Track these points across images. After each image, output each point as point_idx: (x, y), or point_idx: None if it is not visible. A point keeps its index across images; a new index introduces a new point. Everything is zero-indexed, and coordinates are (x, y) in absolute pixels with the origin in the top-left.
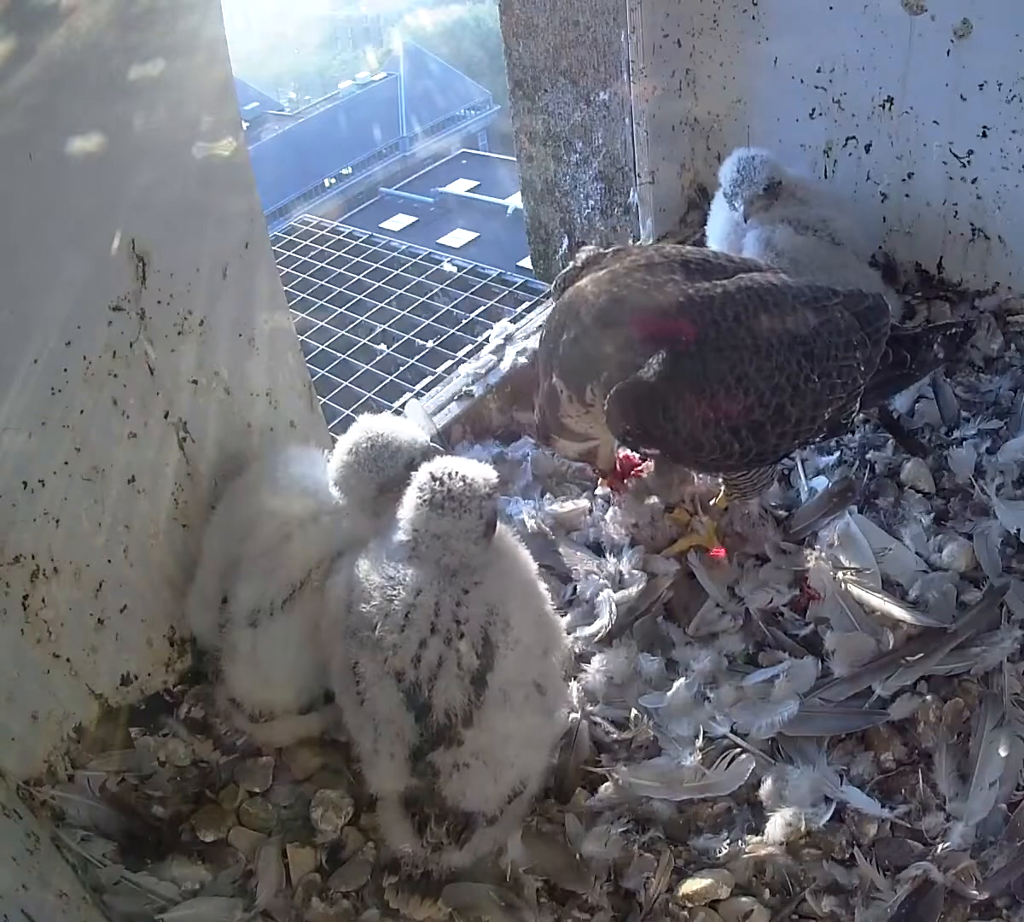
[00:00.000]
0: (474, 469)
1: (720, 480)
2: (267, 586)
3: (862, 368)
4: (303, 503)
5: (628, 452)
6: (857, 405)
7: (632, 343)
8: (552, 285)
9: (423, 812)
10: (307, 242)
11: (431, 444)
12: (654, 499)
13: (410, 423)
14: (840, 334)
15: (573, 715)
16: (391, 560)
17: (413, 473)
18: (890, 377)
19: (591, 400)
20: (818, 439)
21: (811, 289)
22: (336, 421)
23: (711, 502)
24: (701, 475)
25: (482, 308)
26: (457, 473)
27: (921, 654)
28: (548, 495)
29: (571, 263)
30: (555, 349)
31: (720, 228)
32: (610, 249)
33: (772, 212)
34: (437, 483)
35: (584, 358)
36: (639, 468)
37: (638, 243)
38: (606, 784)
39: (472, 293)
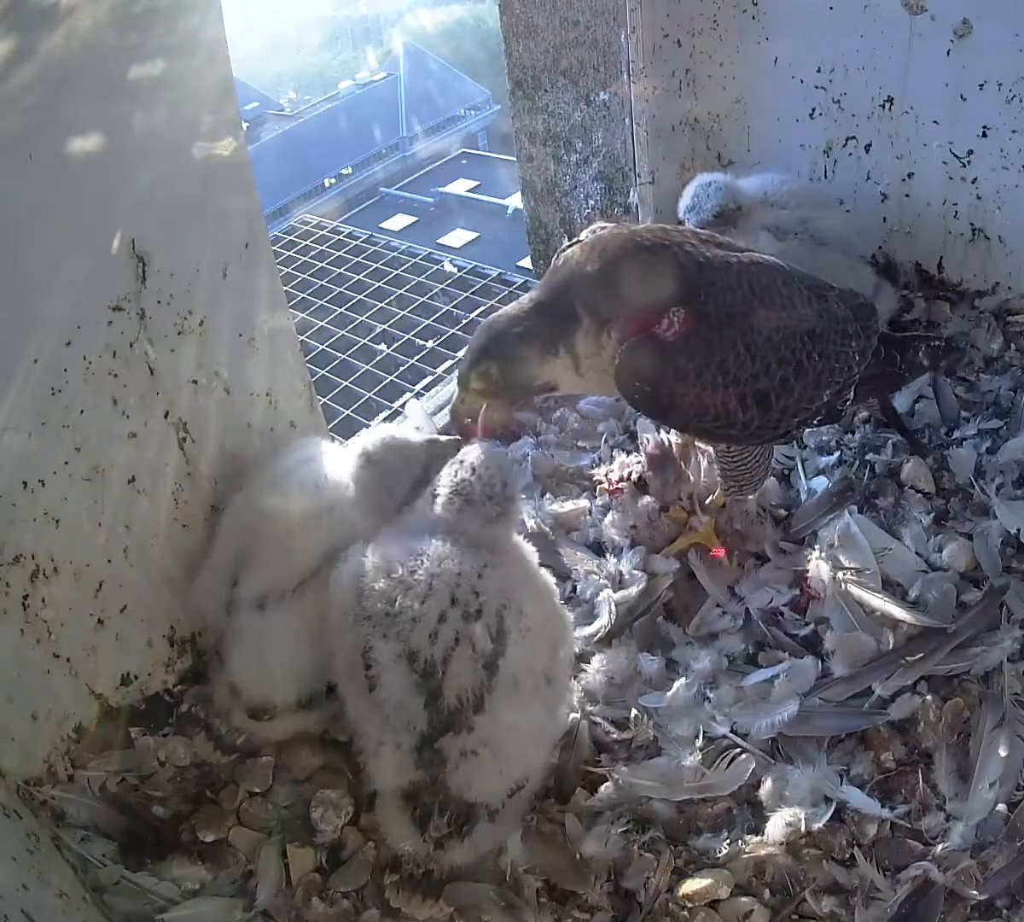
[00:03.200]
0: (491, 455)
1: (717, 474)
2: (278, 572)
3: (857, 357)
4: (318, 498)
5: (624, 458)
6: (852, 394)
7: (652, 294)
8: (553, 258)
9: (425, 805)
10: (307, 242)
11: (432, 440)
12: (650, 499)
13: (411, 430)
14: (838, 322)
15: (573, 715)
16: (416, 537)
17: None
18: (881, 373)
19: (604, 342)
20: (815, 423)
21: (811, 278)
22: (336, 421)
23: (708, 500)
24: (695, 470)
25: (482, 308)
26: (491, 468)
27: (921, 654)
28: (548, 495)
29: (576, 239)
30: (581, 279)
31: None
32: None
33: (752, 221)
34: (479, 486)
35: (607, 296)
36: (635, 470)
37: None
38: (606, 784)
39: (472, 293)
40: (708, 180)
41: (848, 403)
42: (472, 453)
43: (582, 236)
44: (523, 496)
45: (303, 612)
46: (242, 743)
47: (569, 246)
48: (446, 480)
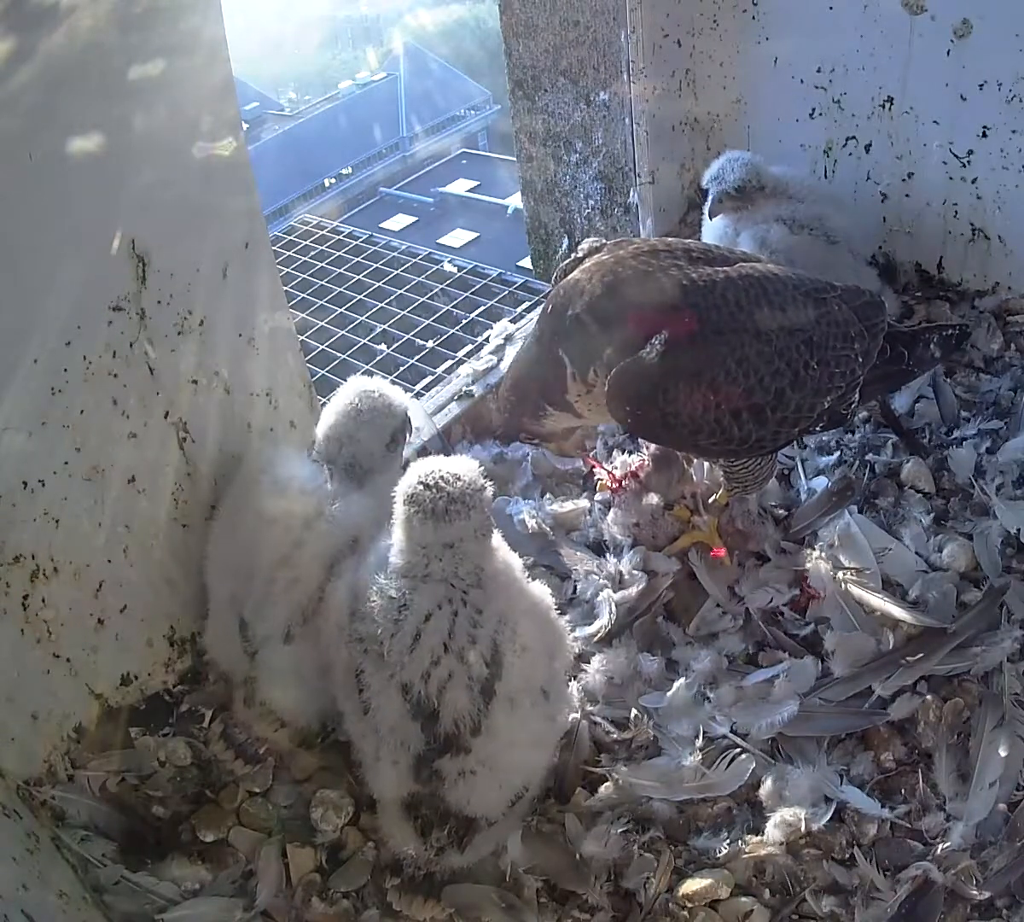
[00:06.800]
0: (458, 464)
1: (720, 474)
2: (293, 597)
3: (860, 360)
4: (302, 503)
5: (626, 457)
6: (856, 397)
7: (635, 324)
8: (553, 275)
9: (425, 816)
10: (307, 242)
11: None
12: (654, 497)
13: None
14: (838, 325)
15: (573, 715)
16: (391, 578)
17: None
18: (888, 372)
19: (593, 380)
20: (818, 429)
21: (810, 281)
22: None
23: (711, 499)
24: (697, 470)
25: (482, 308)
26: (448, 474)
27: (921, 654)
28: (548, 495)
29: (573, 253)
30: (560, 325)
31: (715, 228)
32: (611, 240)
33: (767, 211)
34: (433, 491)
35: (588, 336)
36: (637, 468)
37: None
38: (606, 784)
39: (472, 293)
40: (737, 155)
41: (853, 406)
42: (423, 465)
43: (579, 250)
44: (519, 497)
45: (324, 625)
46: (264, 751)
47: (567, 264)
48: (411, 508)
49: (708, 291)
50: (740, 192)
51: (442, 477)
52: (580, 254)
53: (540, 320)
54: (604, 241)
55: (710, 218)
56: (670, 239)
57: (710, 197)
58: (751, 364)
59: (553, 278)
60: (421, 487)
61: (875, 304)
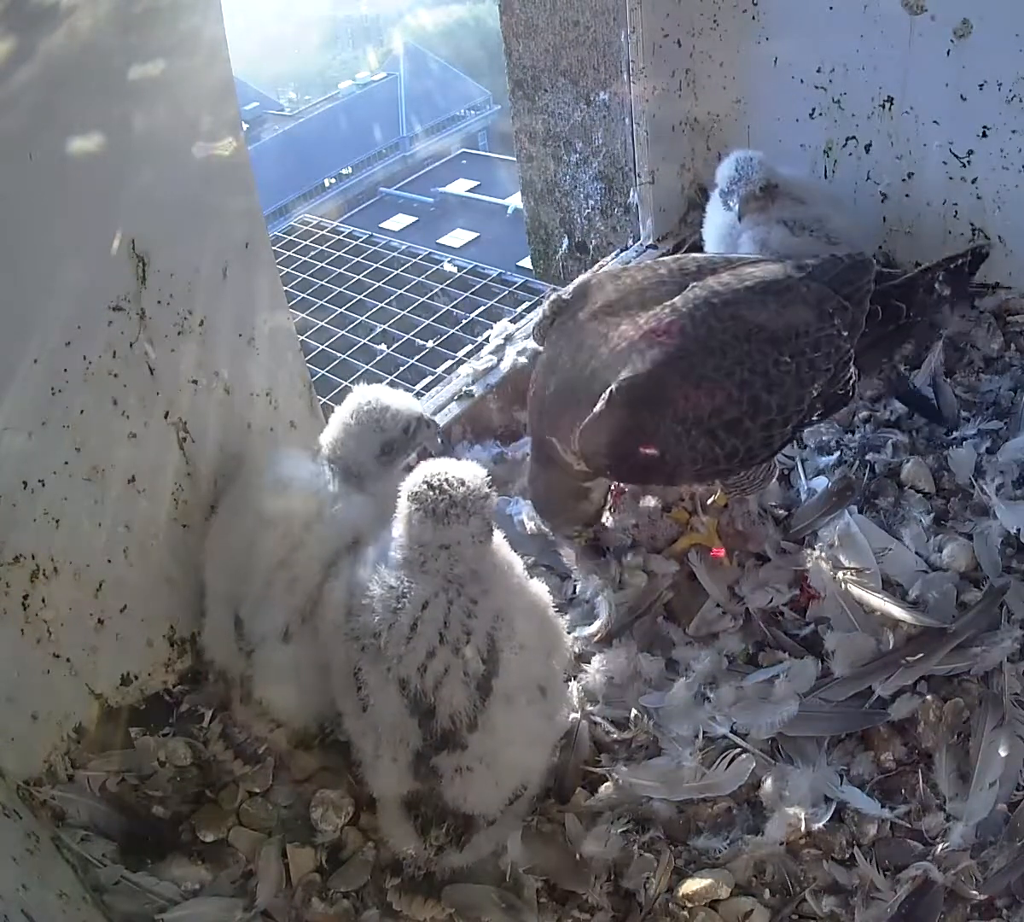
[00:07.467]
0: (465, 469)
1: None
2: (291, 599)
3: (845, 333)
4: (301, 504)
5: None
6: (853, 371)
7: (593, 386)
8: (532, 336)
9: (424, 814)
10: (307, 242)
11: (425, 416)
12: (652, 499)
13: (402, 394)
14: (808, 307)
15: (573, 715)
16: (391, 570)
17: (411, 439)
18: (884, 333)
19: (577, 449)
20: (817, 418)
21: (769, 274)
22: None
23: (709, 500)
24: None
25: (482, 308)
26: (454, 477)
27: (921, 654)
28: None
29: (542, 314)
30: (542, 407)
31: (715, 229)
32: (572, 292)
33: (768, 212)
34: (436, 492)
35: (561, 409)
36: None
37: (597, 274)
38: (606, 784)
39: (472, 293)
40: (748, 155)
41: (852, 382)
42: (431, 465)
43: (547, 310)
44: (520, 497)
45: (321, 625)
46: (264, 751)
47: (541, 325)
48: (413, 505)
49: (654, 334)
50: (765, 191)
51: (447, 480)
52: (548, 313)
53: (529, 408)
54: (566, 296)
55: (740, 219)
56: (626, 279)
57: (738, 200)
58: (711, 381)
59: (533, 337)
60: (425, 486)
61: (857, 266)
